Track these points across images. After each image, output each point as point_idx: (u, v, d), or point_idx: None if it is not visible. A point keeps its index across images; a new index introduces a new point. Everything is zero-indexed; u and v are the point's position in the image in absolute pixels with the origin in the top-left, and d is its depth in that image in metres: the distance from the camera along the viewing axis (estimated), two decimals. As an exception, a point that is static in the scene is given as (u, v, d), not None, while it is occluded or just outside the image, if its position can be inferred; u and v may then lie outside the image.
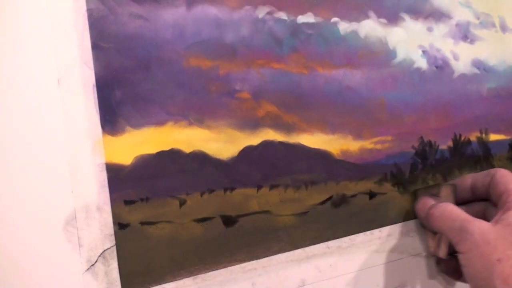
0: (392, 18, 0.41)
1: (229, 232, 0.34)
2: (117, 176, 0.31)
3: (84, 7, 0.31)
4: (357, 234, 0.37)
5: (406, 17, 0.42)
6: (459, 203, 0.37)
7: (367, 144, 0.39)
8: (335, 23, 0.39)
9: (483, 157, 0.44)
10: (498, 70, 0.46)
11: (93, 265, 0.30)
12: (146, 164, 0.32)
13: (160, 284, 0.31)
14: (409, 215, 0.40)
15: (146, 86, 0.32)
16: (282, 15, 0.37)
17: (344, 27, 0.39)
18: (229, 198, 0.34)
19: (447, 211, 0.34)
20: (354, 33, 0.40)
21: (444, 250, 0.36)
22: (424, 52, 0.42)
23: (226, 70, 0.35)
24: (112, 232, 0.30)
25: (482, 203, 0.37)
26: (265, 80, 0.36)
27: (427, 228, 0.37)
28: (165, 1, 0.34)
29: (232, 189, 0.34)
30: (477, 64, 0.45)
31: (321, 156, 0.37)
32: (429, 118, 0.42)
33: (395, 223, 0.39)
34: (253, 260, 0.34)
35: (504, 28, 0.47)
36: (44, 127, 0.30)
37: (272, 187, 0.35)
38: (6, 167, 0.29)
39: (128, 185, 0.31)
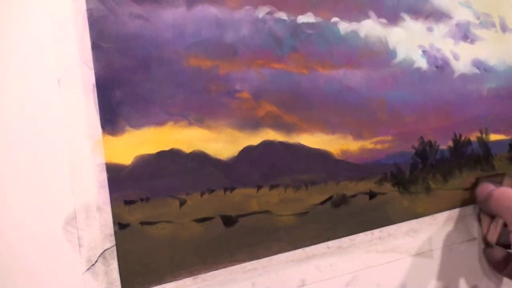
0: (392, 18, 0.41)
1: (229, 232, 0.34)
2: (117, 176, 0.31)
3: (84, 7, 0.31)
4: (357, 234, 0.37)
5: (406, 17, 0.42)
6: None
7: (367, 144, 0.39)
8: (335, 23, 0.39)
9: (483, 157, 0.44)
10: (498, 70, 0.46)
11: (93, 265, 0.30)
12: (146, 164, 0.32)
13: (160, 284, 0.31)
14: (410, 215, 0.40)
15: (146, 86, 0.32)
16: (282, 15, 0.37)
17: (344, 27, 0.39)
18: (229, 198, 0.34)
19: (507, 193, 0.35)
20: (354, 33, 0.40)
21: (495, 235, 0.37)
22: (424, 52, 0.42)
23: (226, 70, 0.35)
24: (112, 232, 0.30)
25: None
26: (265, 80, 0.36)
27: (484, 210, 0.39)
28: (165, 1, 0.34)
29: (232, 189, 0.34)
30: (477, 64, 0.45)
31: (321, 156, 0.37)
32: (429, 118, 0.42)
33: (395, 223, 0.39)
34: (253, 260, 0.34)
35: (504, 28, 0.47)
36: (44, 127, 0.30)
37: (272, 187, 0.35)
38: (6, 167, 0.29)
39: (128, 185, 0.31)
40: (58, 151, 0.30)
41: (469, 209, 0.42)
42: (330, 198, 0.37)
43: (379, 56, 0.40)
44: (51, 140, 0.30)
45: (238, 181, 0.34)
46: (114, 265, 0.30)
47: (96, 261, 0.30)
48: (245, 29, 0.36)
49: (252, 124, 0.35)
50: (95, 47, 0.31)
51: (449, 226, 0.41)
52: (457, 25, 0.44)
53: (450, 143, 0.42)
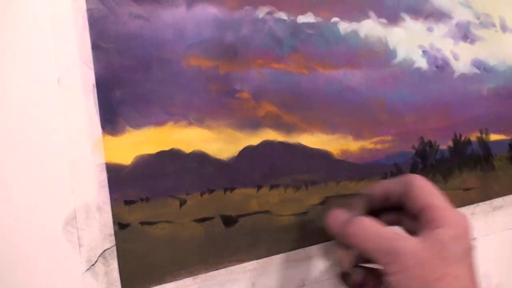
0: (392, 18, 0.41)
1: (229, 232, 0.34)
2: (117, 176, 0.31)
3: (84, 7, 0.31)
4: (357, 234, 0.37)
5: (406, 17, 0.42)
6: (370, 212, 0.33)
7: (367, 144, 0.39)
8: (335, 23, 0.39)
9: (483, 157, 0.44)
10: (498, 70, 0.46)
11: (93, 265, 0.30)
12: (146, 164, 0.32)
13: (160, 284, 0.31)
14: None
15: (146, 86, 0.32)
16: (282, 15, 0.37)
17: (344, 27, 0.39)
18: (229, 198, 0.34)
19: (367, 228, 0.30)
20: (354, 33, 0.40)
21: (351, 263, 0.33)
22: (424, 52, 0.42)
23: (226, 70, 0.35)
24: (112, 232, 0.30)
25: (395, 212, 0.33)
26: (265, 80, 0.36)
27: (341, 242, 0.33)
28: (165, 1, 0.34)
29: (232, 189, 0.34)
30: (477, 64, 0.45)
31: (321, 156, 0.37)
32: (429, 118, 0.42)
33: (395, 223, 0.39)
34: (253, 260, 0.34)
35: (504, 28, 0.47)
36: (44, 127, 0.30)
37: (272, 187, 0.35)
38: (6, 167, 0.29)
39: (128, 185, 0.31)
40: (58, 151, 0.30)
41: (470, 209, 0.42)
42: (330, 198, 0.37)
43: (379, 56, 0.40)
44: (51, 140, 0.30)
45: (238, 181, 0.34)
46: (114, 265, 0.30)
47: (96, 261, 0.30)
48: (245, 29, 0.36)
49: (252, 124, 0.35)
50: (95, 47, 0.31)
51: (449, 226, 0.41)
52: (457, 25, 0.44)
53: (450, 143, 0.42)
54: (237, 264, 0.34)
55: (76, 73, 0.31)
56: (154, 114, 0.32)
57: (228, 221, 0.34)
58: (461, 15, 0.45)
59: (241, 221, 0.34)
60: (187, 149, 0.33)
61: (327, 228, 0.33)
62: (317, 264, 0.36)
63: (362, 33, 0.40)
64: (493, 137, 0.44)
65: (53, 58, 0.30)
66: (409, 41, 0.42)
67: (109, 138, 0.31)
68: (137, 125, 0.32)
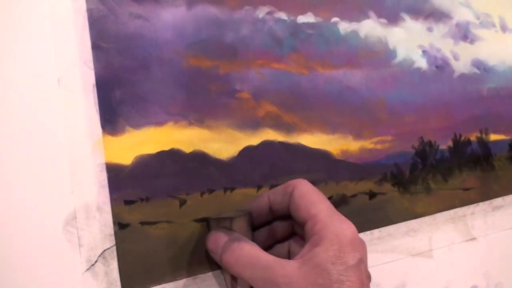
0: (392, 18, 0.41)
1: (229, 232, 0.34)
2: (117, 176, 0.31)
3: (84, 7, 0.31)
4: (357, 234, 0.37)
5: (406, 17, 0.42)
6: (261, 225, 0.32)
7: (367, 144, 0.39)
8: (335, 23, 0.39)
9: (483, 157, 0.44)
10: (498, 70, 0.46)
11: (93, 265, 0.30)
12: (146, 164, 0.32)
13: (160, 284, 0.31)
14: (409, 215, 0.40)
15: (146, 86, 0.32)
16: (282, 15, 0.37)
17: (344, 27, 0.39)
18: (229, 198, 0.34)
19: (244, 257, 0.28)
20: (354, 33, 0.40)
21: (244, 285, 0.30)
22: (424, 52, 0.42)
23: (226, 70, 0.35)
24: (112, 232, 0.30)
25: (286, 222, 0.32)
26: (265, 80, 0.36)
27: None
28: (165, 1, 0.34)
29: (232, 189, 0.34)
30: (477, 64, 0.45)
31: (321, 156, 0.37)
32: (429, 118, 0.42)
33: (395, 223, 0.39)
34: (253, 260, 0.34)
35: (504, 28, 0.47)
36: (44, 127, 0.30)
37: (272, 187, 0.35)
38: (6, 167, 0.29)
39: (128, 185, 0.31)
40: (58, 151, 0.30)
41: (470, 209, 0.42)
42: (330, 198, 0.37)
43: (379, 56, 0.40)
44: (51, 140, 0.30)
45: (238, 181, 0.34)
46: (114, 265, 0.30)
47: (96, 261, 0.30)
48: (245, 29, 0.36)
49: (252, 124, 0.35)
50: (95, 47, 0.31)
51: (449, 226, 0.41)
52: (457, 25, 0.44)
53: (450, 143, 0.42)
54: (237, 264, 0.34)
55: (76, 73, 0.31)
56: (154, 114, 0.32)
57: (228, 221, 0.34)
58: (461, 15, 0.45)
59: (241, 221, 0.34)
60: (187, 149, 0.33)
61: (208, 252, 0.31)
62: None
63: (362, 33, 0.40)
64: (493, 137, 0.44)
65: (53, 58, 0.30)
66: (409, 41, 0.42)
67: (109, 138, 0.31)
68: (137, 125, 0.32)
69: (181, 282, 0.32)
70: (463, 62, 0.44)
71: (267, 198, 0.31)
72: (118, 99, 0.32)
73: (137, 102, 0.32)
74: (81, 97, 0.31)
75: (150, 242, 0.31)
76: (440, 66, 0.43)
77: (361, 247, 0.28)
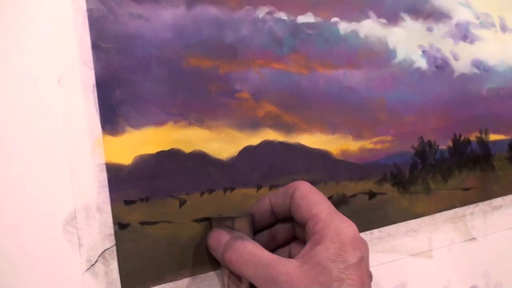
0: (392, 18, 0.41)
1: (229, 232, 0.34)
2: (117, 176, 0.31)
3: (84, 7, 0.31)
4: (357, 234, 0.37)
5: (406, 17, 0.42)
6: (262, 228, 0.32)
7: (367, 144, 0.39)
8: (335, 23, 0.39)
9: (483, 157, 0.44)
10: (498, 70, 0.46)
11: (93, 265, 0.30)
12: (146, 164, 0.32)
13: (160, 284, 0.31)
14: (409, 215, 0.40)
15: (146, 86, 0.32)
16: (282, 15, 0.37)
17: (344, 27, 0.39)
18: (229, 198, 0.34)
19: (246, 254, 0.28)
20: (354, 33, 0.40)
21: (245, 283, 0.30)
22: (424, 52, 0.42)
23: (226, 70, 0.35)
24: (112, 232, 0.31)
25: (288, 225, 0.32)
26: (265, 80, 0.36)
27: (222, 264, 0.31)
28: (165, 1, 0.34)
29: (232, 189, 0.34)
30: (477, 64, 0.45)
31: (321, 156, 0.37)
32: (429, 118, 0.42)
33: (394, 223, 0.39)
34: (253, 260, 0.34)
35: (504, 28, 0.47)
36: (44, 127, 0.30)
37: (272, 187, 0.35)
38: (6, 167, 0.29)
39: (128, 185, 0.31)
40: (58, 151, 0.30)
41: (469, 209, 0.42)
42: (330, 198, 0.37)
43: (379, 56, 0.40)
44: (51, 140, 0.30)
45: (238, 181, 0.34)
46: (114, 265, 0.30)
47: (96, 261, 0.30)
48: (245, 29, 0.36)
49: (252, 124, 0.35)
50: (95, 47, 0.31)
51: (449, 226, 0.41)
52: (457, 25, 0.44)
53: (450, 143, 0.42)
54: (237, 264, 0.34)
55: (76, 73, 0.31)
56: (154, 114, 0.33)
57: (228, 221, 0.34)
58: (461, 15, 0.45)
59: (241, 221, 0.34)
60: (187, 149, 0.33)
61: (209, 250, 0.31)
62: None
63: (362, 33, 0.40)
64: (493, 137, 0.44)
65: (53, 58, 0.30)
66: (409, 41, 0.42)
67: (109, 138, 0.31)
68: (137, 125, 0.32)
69: (181, 282, 0.32)
70: (463, 62, 0.44)
71: (268, 200, 0.32)
72: (118, 99, 0.32)
73: (137, 102, 0.32)
74: (81, 97, 0.31)
75: (150, 242, 0.31)
76: (440, 66, 0.43)
77: (363, 246, 0.28)
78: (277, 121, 0.36)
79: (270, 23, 0.37)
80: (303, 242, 0.30)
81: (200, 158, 0.33)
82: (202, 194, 0.33)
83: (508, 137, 0.45)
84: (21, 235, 0.29)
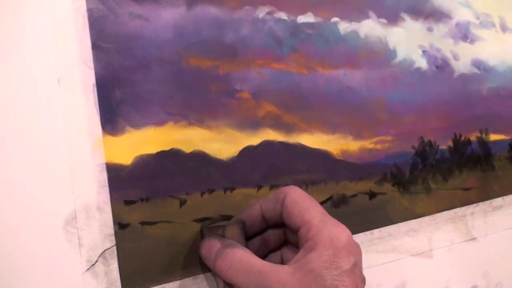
0: (392, 18, 0.41)
1: (229, 232, 0.34)
2: (117, 176, 0.31)
3: (84, 7, 0.31)
4: (357, 234, 0.37)
5: (406, 17, 0.42)
6: (254, 235, 0.32)
7: (367, 144, 0.39)
8: (335, 23, 0.39)
9: (483, 157, 0.44)
10: (498, 70, 0.46)
11: (93, 265, 0.30)
12: (146, 164, 0.32)
13: (160, 284, 0.31)
14: (409, 215, 0.40)
15: (146, 86, 0.32)
16: (282, 15, 0.37)
17: (344, 27, 0.39)
18: (229, 198, 0.34)
19: (236, 263, 0.27)
20: (354, 33, 0.40)
21: None
22: (424, 52, 0.42)
23: (226, 70, 0.35)
24: (112, 232, 0.30)
25: (279, 230, 0.32)
26: (265, 80, 0.36)
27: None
28: (165, 1, 0.34)
29: (232, 189, 0.34)
30: (477, 64, 0.45)
31: (321, 156, 0.37)
32: (429, 118, 0.42)
33: (395, 223, 0.39)
34: (253, 260, 0.34)
35: (504, 28, 0.47)
36: (44, 127, 0.30)
37: (272, 187, 0.35)
38: (6, 167, 0.29)
39: (128, 185, 0.31)
40: (58, 151, 0.30)
41: (470, 209, 0.42)
42: (330, 198, 0.37)
43: (379, 56, 0.40)
44: (51, 140, 0.30)
45: (238, 181, 0.34)
46: (114, 265, 0.30)
47: (96, 261, 0.30)
48: (245, 29, 0.36)
49: (252, 124, 0.35)
50: (95, 47, 0.31)
51: (449, 226, 0.41)
52: (457, 25, 0.44)
53: (450, 143, 0.42)
54: (237, 264, 0.34)
55: (76, 73, 0.31)
56: (154, 114, 0.33)
57: (228, 221, 0.34)
58: (461, 15, 0.45)
59: (241, 221, 0.34)
60: (187, 149, 0.33)
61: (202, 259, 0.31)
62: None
63: (362, 33, 0.40)
64: (493, 137, 0.44)
65: (53, 58, 0.30)
66: (409, 41, 0.42)
67: (109, 138, 0.31)
68: (137, 125, 0.32)
69: (181, 282, 0.32)
70: (463, 62, 0.44)
71: (259, 207, 0.31)
72: (118, 99, 0.32)
73: (137, 102, 0.32)
74: (81, 97, 0.31)
75: (150, 242, 0.31)
76: (440, 66, 0.43)
77: (356, 251, 0.28)
78: (277, 121, 0.36)
79: (270, 23, 0.37)
80: (295, 246, 0.30)
81: (200, 158, 0.33)
82: (202, 194, 0.33)
83: (508, 137, 0.45)
84: (21, 235, 0.29)
